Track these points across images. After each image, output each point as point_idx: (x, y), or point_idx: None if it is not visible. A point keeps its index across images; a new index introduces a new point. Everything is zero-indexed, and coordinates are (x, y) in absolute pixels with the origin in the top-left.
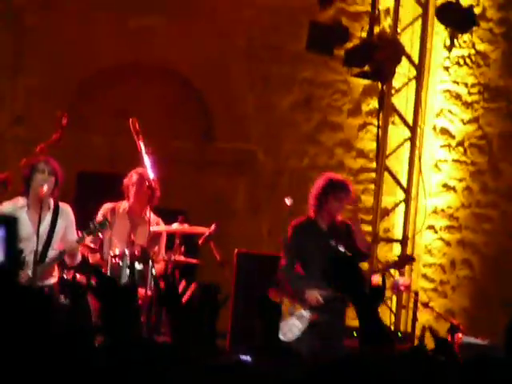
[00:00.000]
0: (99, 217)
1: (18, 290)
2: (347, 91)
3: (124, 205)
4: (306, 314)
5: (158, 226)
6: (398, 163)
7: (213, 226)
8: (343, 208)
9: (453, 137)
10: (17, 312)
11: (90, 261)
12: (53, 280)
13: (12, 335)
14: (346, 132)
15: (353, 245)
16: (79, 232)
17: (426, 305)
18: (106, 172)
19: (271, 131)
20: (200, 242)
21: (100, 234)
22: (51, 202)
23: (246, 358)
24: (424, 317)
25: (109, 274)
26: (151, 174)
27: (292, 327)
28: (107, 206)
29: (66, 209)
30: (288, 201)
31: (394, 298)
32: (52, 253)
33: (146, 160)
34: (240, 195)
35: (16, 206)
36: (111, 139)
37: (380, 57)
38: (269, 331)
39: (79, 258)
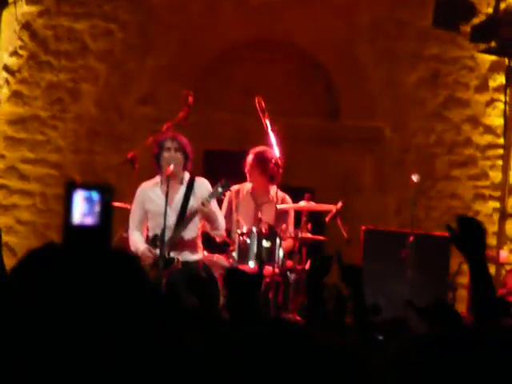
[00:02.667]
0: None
1: (108, 251)
2: (474, 67)
3: (247, 186)
4: None
5: (284, 202)
6: None
7: (340, 203)
8: None
9: None
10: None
11: (217, 240)
12: (195, 256)
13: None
14: (473, 108)
15: None
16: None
17: None
18: (233, 150)
19: (398, 108)
20: (327, 219)
21: (224, 194)
22: (186, 175)
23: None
24: None
25: (237, 252)
26: (277, 152)
27: None
28: (232, 188)
29: (201, 182)
30: (415, 177)
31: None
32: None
33: (272, 138)
34: (367, 172)
35: (151, 183)
36: (238, 117)
37: (507, 32)
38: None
39: (221, 223)
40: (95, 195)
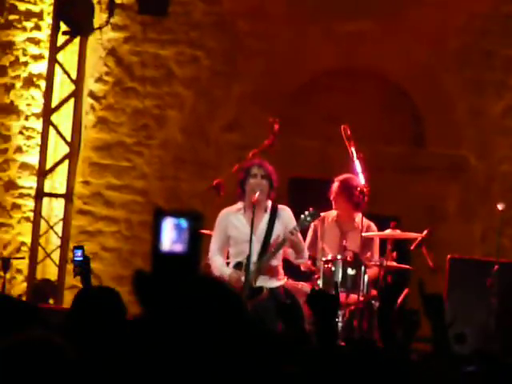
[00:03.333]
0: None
1: (198, 277)
2: None
3: (333, 213)
4: None
5: (369, 230)
6: None
7: (425, 232)
8: None
9: None
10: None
11: (302, 268)
12: (278, 283)
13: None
14: None
15: None
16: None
17: None
18: (318, 178)
19: (483, 136)
20: (412, 247)
21: (312, 224)
22: (269, 204)
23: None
24: None
25: (321, 279)
26: (362, 180)
27: None
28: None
29: (284, 210)
30: (500, 206)
31: None
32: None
33: (358, 166)
34: (452, 200)
35: (233, 209)
36: (323, 145)
37: None
38: None
39: (304, 251)
40: (184, 222)
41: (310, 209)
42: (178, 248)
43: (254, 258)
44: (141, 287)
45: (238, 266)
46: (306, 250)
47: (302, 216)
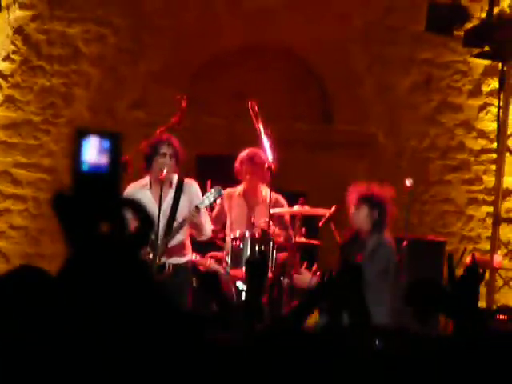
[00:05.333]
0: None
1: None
2: (467, 72)
3: (240, 188)
4: None
5: (277, 203)
6: None
7: (333, 208)
8: None
9: None
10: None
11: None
12: (184, 259)
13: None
14: (467, 113)
15: None
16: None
17: None
18: (225, 154)
19: (391, 113)
20: (320, 223)
21: (217, 201)
22: (175, 178)
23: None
24: None
25: (230, 256)
26: (270, 156)
27: None
28: (225, 191)
29: (190, 184)
30: (408, 182)
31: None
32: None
33: (265, 142)
34: (360, 177)
35: (139, 184)
36: (230, 122)
37: (500, 37)
38: None
39: (206, 230)
40: (105, 142)
41: (215, 187)
42: (99, 167)
43: (160, 233)
44: (62, 208)
45: None
46: (206, 227)
47: (205, 195)
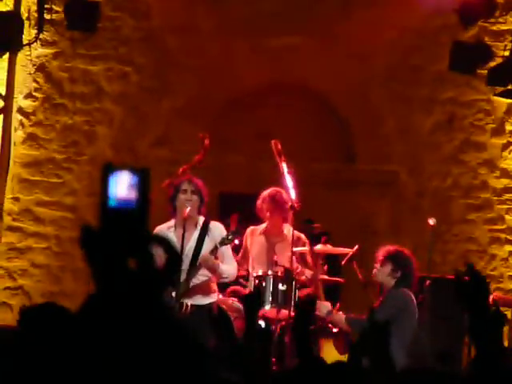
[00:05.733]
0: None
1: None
2: (490, 110)
3: (262, 226)
4: None
5: (299, 241)
6: None
7: (356, 247)
8: None
9: None
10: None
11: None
12: (209, 300)
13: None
14: (490, 151)
15: None
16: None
17: None
18: (248, 193)
19: (413, 152)
20: (343, 262)
21: (235, 241)
22: (200, 219)
23: None
24: None
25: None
26: (293, 195)
27: None
28: (249, 229)
29: (215, 226)
30: (431, 221)
31: None
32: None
33: (288, 181)
34: (382, 216)
35: (165, 226)
36: (252, 160)
37: None
38: None
39: (223, 272)
40: (132, 178)
41: (231, 230)
42: (127, 203)
43: (183, 275)
44: (88, 242)
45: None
46: (224, 269)
47: (223, 236)
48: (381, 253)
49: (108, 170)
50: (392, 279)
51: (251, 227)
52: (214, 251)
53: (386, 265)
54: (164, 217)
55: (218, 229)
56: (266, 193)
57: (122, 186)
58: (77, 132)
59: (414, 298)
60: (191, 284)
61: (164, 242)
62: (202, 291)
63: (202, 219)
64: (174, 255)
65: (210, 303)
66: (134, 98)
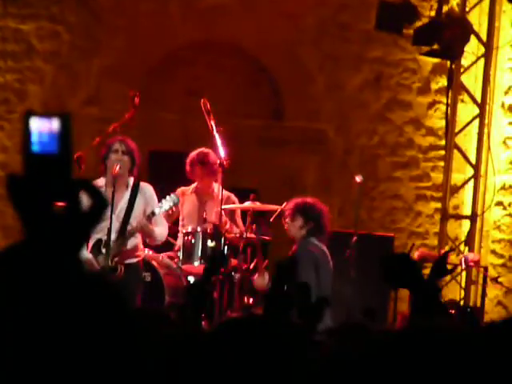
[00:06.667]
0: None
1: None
2: (416, 70)
3: (192, 186)
4: None
5: (229, 201)
6: (467, 141)
7: (284, 204)
8: None
9: None
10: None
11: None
12: (136, 259)
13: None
14: (416, 110)
15: None
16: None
17: (495, 280)
18: (178, 151)
19: (341, 110)
20: (272, 219)
21: (172, 209)
22: (131, 180)
23: None
24: (493, 292)
25: (182, 251)
26: (222, 153)
27: None
28: (179, 190)
29: (146, 187)
30: (358, 178)
31: (464, 274)
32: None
33: (217, 139)
34: (311, 173)
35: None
36: (183, 118)
37: (449, 35)
38: None
39: (157, 236)
40: (54, 122)
41: (171, 194)
42: (50, 148)
43: (113, 236)
44: (14, 190)
45: (97, 243)
46: (157, 233)
47: (161, 201)
48: (289, 207)
49: (29, 116)
50: (304, 231)
51: (181, 188)
52: (149, 218)
53: (296, 219)
54: (96, 176)
55: (148, 191)
56: (194, 155)
57: (43, 132)
58: (8, 90)
59: (325, 249)
60: (123, 248)
61: (89, 186)
62: (132, 253)
63: (132, 180)
64: (100, 200)
65: (137, 261)
66: (65, 57)
